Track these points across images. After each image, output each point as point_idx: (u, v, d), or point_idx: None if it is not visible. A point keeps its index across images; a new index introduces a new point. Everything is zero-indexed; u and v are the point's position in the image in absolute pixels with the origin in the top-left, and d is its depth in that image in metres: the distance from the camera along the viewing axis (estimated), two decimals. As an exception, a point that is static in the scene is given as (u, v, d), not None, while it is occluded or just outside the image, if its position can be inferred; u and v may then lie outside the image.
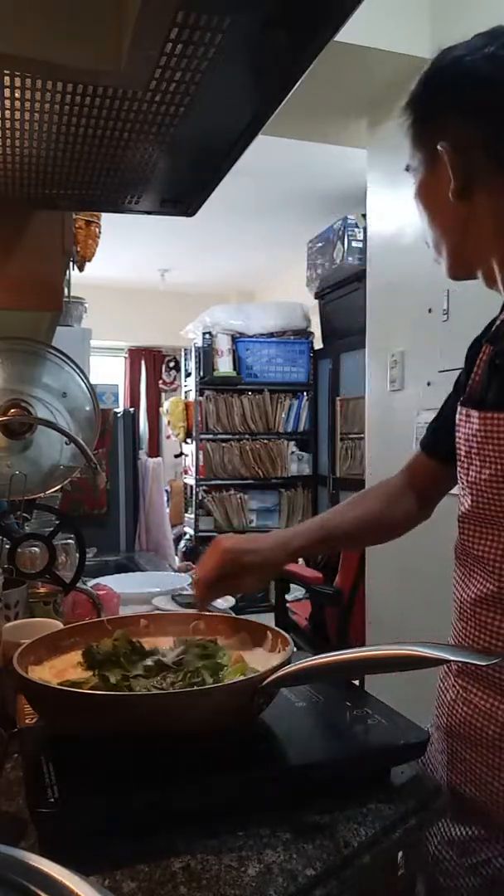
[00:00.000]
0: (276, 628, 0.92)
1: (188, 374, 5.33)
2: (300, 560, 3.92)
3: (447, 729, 0.91)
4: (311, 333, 5.20)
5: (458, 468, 0.92)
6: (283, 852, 0.65)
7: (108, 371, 7.30)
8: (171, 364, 7.66)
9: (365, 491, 1.15)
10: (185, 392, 5.53)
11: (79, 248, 2.20)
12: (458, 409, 0.91)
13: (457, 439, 0.91)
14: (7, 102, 0.71)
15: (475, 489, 0.86)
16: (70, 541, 1.32)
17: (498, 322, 0.93)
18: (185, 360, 5.53)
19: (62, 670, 0.84)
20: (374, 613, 2.80)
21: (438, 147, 0.81)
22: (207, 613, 1.01)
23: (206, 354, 4.98)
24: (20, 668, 0.78)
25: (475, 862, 0.86)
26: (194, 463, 5.08)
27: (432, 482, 1.09)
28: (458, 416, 0.91)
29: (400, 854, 0.73)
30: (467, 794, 0.86)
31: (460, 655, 0.75)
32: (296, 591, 3.38)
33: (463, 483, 0.90)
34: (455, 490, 0.98)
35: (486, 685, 0.86)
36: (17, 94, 0.69)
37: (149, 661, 0.84)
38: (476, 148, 0.80)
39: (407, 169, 0.91)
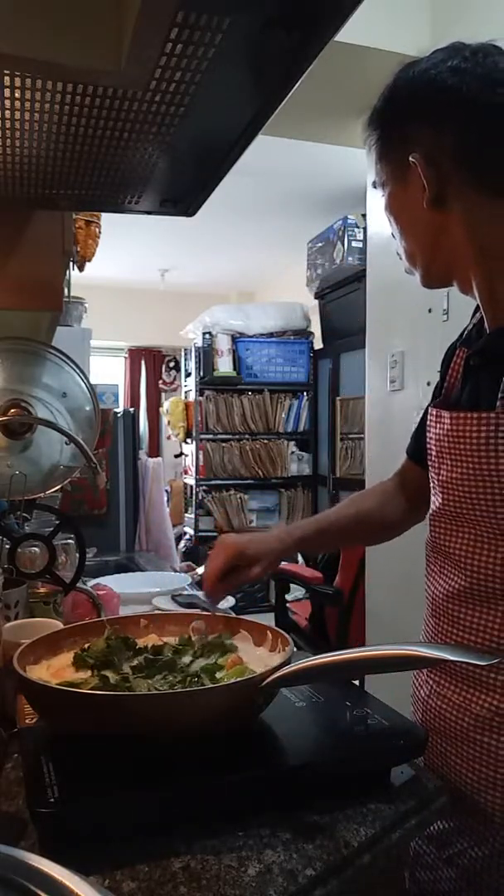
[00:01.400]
0: (276, 628, 0.92)
1: (188, 374, 5.33)
2: (300, 560, 3.93)
3: (422, 724, 0.92)
4: (311, 333, 5.20)
5: (430, 468, 0.94)
6: (283, 852, 0.65)
7: (108, 371, 7.29)
8: (171, 364, 7.66)
9: (363, 491, 1.19)
10: (185, 392, 5.53)
11: (79, 248, 2.20)
12: (430, 410, 0.93)
13: (427, 440, 0.93)
14: (7, 102, 0.71)
15: (446, 488, 0.88)
16: (70, 541, 1.32)
17: (471, 326, 0.95)
18: (185, 360, 5.53)
19: (59, 669, 0.84)
20: (374, 613, 2.80)
21: (410, 158, 0.82)
22: (207, 613, 1.01)
23: (206, 354, 4.98)
24: (20, 668, 0.78)
25: (452, 853, 0.86)
26: (194, 463, 5.08)
27: (420, 487, 1.10)
28: (429, 417, 0.93)
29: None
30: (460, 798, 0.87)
31: (460, 655, 0.76)
32: (296, 591, 3.38)
33: (434, 482, 0.92)
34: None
35: (459, 679, 0.87)
36: (17, 94, 0.69)
37: (140, 658, 0.84)
38: (446, 157, 0.81)
39: (374, 185, 0.92)
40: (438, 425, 0.89)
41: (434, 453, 0.91)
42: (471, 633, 0.85)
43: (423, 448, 1.05)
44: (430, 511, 0.94)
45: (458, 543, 0.87)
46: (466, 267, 0.86)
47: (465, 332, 0.96)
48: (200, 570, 1.04)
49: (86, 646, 0.88)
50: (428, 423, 0.93)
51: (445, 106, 0.81)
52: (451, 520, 0.88)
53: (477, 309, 0.96)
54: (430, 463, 0.93)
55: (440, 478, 0.90)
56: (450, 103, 0.80)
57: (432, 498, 0.94)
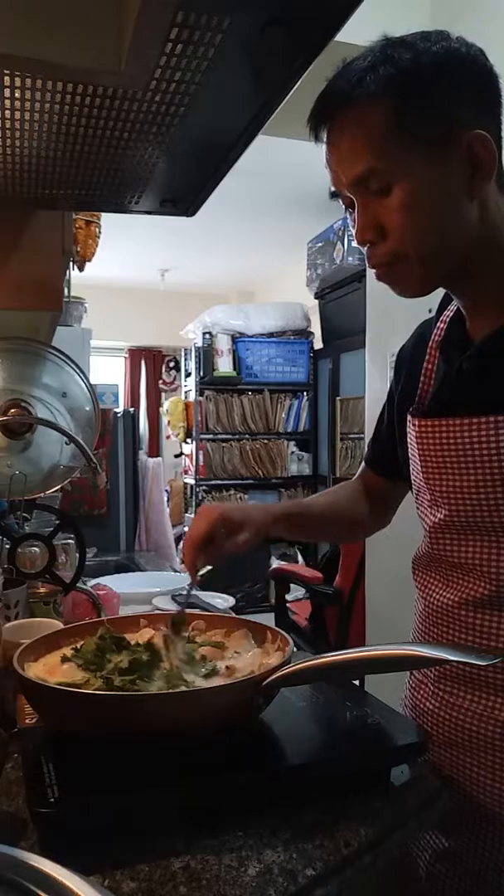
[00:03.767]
0: (276, 628, 0.92)
1: (188, 374, 5.33)
2: (300, 560, 3.92)
3: (431, 737, 0.89)
4: (311, 333, 5.21)
5: (424, 481, 0.89)
6: (283, 852, 0.64)
7: (108, 371, 7.29)
8: (171, 364, 7.66)
9: (337, 487, 1.16)
10: (185, 392, 5.53)
11: (79, 248, 2.20)
12: (418, 421, 0.88)
13: (420, 453, 0.89)
14: (7, 102, 0.71)
15: (454, 498, 0.85)
16: (70, 541, 1.32)
17: (443, 326, 0.92)
18: (185, 360, 5.53)
19: (55, 665, 0.84)
20: (374, 613, 2.80)
21: (473, 133, 0.75)
22: (207, 613, 1.00)
23: (206, 354, 4.98)
24: (20, 668, 0.78)
25: (475, 869, 0.85)
26: (194, 463, 5.08)
27: (382, 495, 1.12)
28: (417, 429, 0.88)
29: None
30: (461, 799, 0.86)
31: (459, 655, 0.75)
32: (296, 591, 3.38)
33: (434, 494, 0.88)
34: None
35: (476, 687, 0.85)
36: (17, 94, 0.70)
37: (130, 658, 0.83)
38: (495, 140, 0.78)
39: (367, 177, 0.77)
40: (435, 436, 0.86)
41: (432, 465, 0.87)
42: (490, 639, 0.83)
43: (383, 458, 1.06)
44: (431, 524, 0.90)
45: (472, 552, 0.85)
46: (483, 263, 0.81)
47: (439, 336, 0.92)
48: (202, 570, 0.99)
49: (78, 645, 0.87)
50: (417, 435, 0.89)
51: (488, 87, 0.77)
52: (462, 529, 0.86)
53: (442, 310, 0.95)
54: (424, 475, 0.89)
55: (444, 489, 0.86)
56: (490, 85, 0.77)
57: (430, 510, 0.90)
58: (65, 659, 0.84)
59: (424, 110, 0.75)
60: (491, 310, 0.84)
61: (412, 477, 0.94)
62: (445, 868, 0.87)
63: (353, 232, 0.82)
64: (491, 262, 0.82)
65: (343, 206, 0.85)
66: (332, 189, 0.84)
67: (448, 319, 0.92)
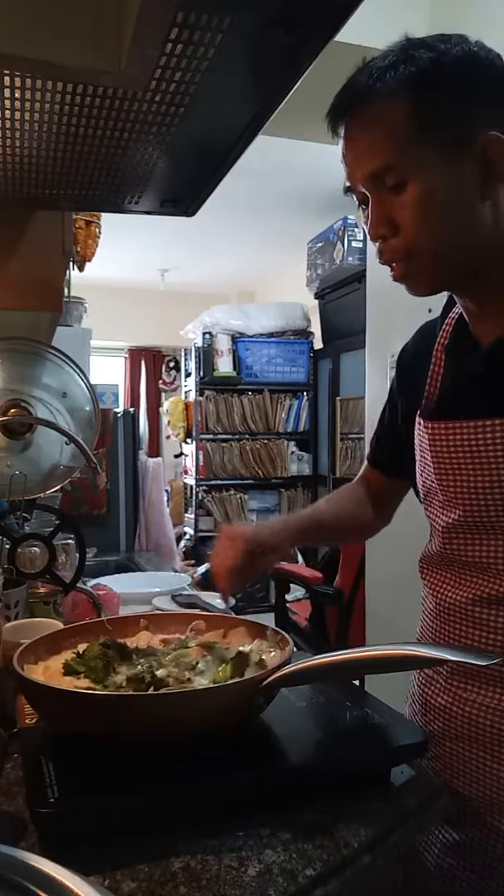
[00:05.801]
0: (276, 628, 0.92)
1: (188, 374, 5.33)
2: (300, 560, 3.92)
3: (442, 733, 0.90)
4: (311, 333, 5.20)
5: (437, 482, 0.89)
6: (283, 852, 0.65)
7: (108, 371, 7.29)
8: (171, 364, 7.66)
9: (340, 492, 1.16)
10: (185, 392, 5.53)
11: (79, 248, 2.20)
12: (429, 423, 0.88)
13: (433, 455, 0.89)
14: (7, 102, 0.71)
15: (466, 499, 0.85)
16: (70, 541, 1.32)
17: (448, 329, 0.92)
18: (185, 360, 5.53)
19: (57, 671, 0.84)
20: (374, 613, 2.80)
21: (489, 135, 0.75)
22: (207, 614, 1.00)
23: (206, 354, 4.98)
24: (20, 668, 0.78)
25: (487, 863, 0.85)
26: (194, 463, 5.08)
27: (385, 493, 1.13)
28: (430, 431, 0.88)
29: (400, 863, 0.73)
30: (472, 794, 0.86)
31: (460, 655, 0.75)
32: (296, 591, 3.38)
33: (447, 495, 0.88)
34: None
35: (490, 682, 0.85)
36: (17, 94, 0.70)
37: (137, 669, 0.82)
38: None
39: (382, 172, 0.78)
40: (448, 438, 0.86)
41: (446, 468, 0.87)
42: (499, 635, 0.84)
43: (387, 456, 1.08)
44: (444, 524, 0.90)
45: (487, 551, 0.85)
46: (493, 265, 0.81)
47: (444, 338, 0.92)
48: (201, 569, 1.01)
49: (80, 650, 0.87)
50: (430, 438, 0.88)
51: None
52: (476, 529, 0.85)
53: (447, 311, 0.94)
54: (437, 478, 0.89)
55: (458, 490, 0.86)
56: None
57: (442, 511, 0.90)
58: (67, 668, 0.83)
59: (442, 110, 0.76)
60: (496, 313, 0.84)
61: (421, 478, 0.93)
62: (446, 867, 0.87)
63: (367, 228, 0.83)
64: (500, 264, 0.82)
65: (357, 202, 0.85)
66: (347, 184, 0.85)
67: (454, 321, 0.92)
